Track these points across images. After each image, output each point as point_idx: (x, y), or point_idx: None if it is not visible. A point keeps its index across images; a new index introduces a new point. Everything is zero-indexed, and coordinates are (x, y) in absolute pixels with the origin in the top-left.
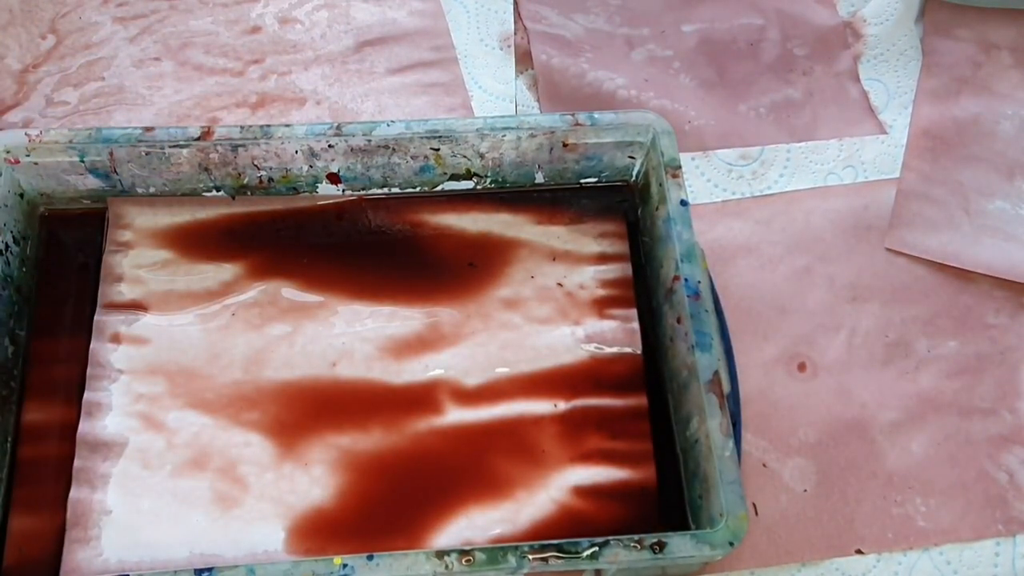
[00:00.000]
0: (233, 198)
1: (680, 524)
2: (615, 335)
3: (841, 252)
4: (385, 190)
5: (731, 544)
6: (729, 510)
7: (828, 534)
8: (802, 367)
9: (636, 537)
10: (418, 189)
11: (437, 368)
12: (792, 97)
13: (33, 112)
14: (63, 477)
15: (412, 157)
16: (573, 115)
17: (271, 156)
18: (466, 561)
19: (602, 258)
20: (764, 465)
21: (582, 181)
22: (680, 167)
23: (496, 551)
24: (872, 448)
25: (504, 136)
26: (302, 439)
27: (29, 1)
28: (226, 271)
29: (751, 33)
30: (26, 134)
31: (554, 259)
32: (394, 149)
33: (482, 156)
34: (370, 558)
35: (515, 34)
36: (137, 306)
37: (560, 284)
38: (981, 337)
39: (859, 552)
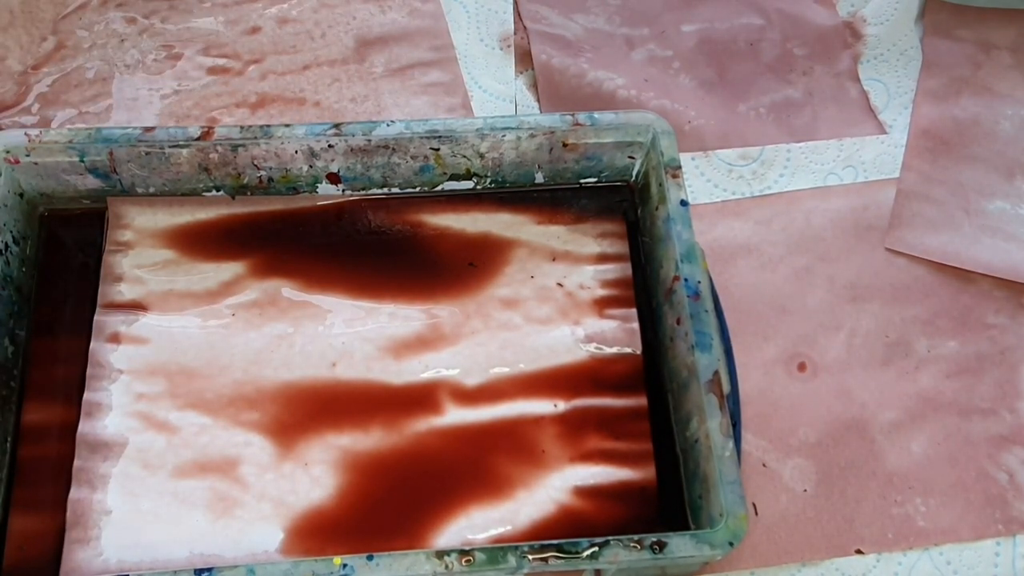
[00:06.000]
0: (233, 198)
1: (680, 524)
2: (615, 335)
3: (841, 252)
4: (385, 190)
5: (731, 544)
6: (729, 510)
7: (828, 534)
8: (802, 367)
9: (636, 537)
10: (418, 189)
11: (437, 368)
12: (792, 97)
13: (33, 112)
14: (63, 477)
15: (412, 157)
16: (573, 115)
17: (271, 156)
18: (466, 561)
19: (602, 258)
20: (764, 465)
21: (582, 181)
22: (680, 167)
23: (496, 551)
24: (872, 448)
25: (504, 136)
26: (302, 439)
27: (30, 2)
28: (226, 271)
29: (751, 33)
30: (26, 134)
31: (554, 259)
32: (394, 149)
33: (482, 156)
34: (370, 558)
35: (515, 34)
36: (137, 306)
37: (560, 284)
38: (981, 337)
39: (859, 552)
